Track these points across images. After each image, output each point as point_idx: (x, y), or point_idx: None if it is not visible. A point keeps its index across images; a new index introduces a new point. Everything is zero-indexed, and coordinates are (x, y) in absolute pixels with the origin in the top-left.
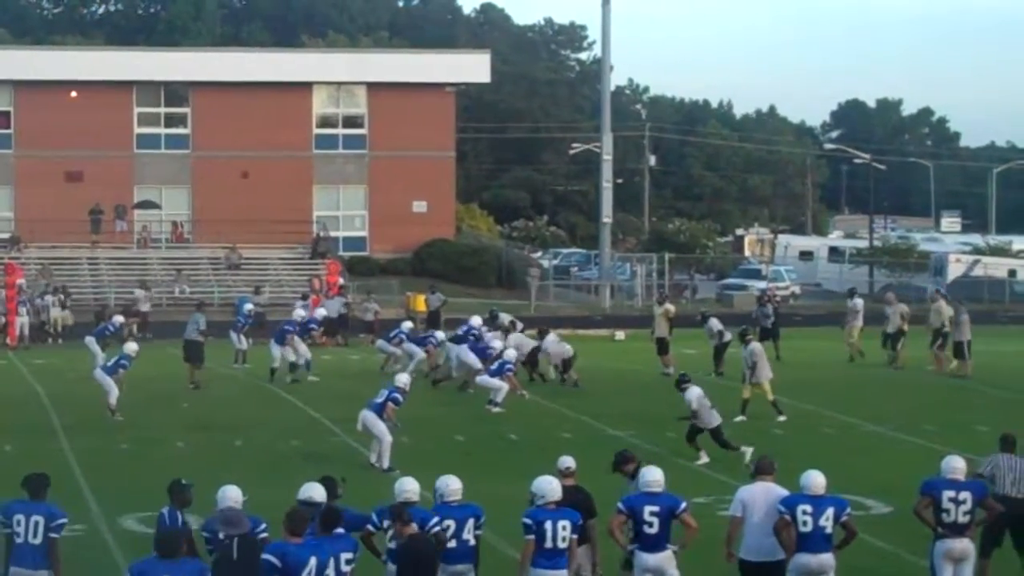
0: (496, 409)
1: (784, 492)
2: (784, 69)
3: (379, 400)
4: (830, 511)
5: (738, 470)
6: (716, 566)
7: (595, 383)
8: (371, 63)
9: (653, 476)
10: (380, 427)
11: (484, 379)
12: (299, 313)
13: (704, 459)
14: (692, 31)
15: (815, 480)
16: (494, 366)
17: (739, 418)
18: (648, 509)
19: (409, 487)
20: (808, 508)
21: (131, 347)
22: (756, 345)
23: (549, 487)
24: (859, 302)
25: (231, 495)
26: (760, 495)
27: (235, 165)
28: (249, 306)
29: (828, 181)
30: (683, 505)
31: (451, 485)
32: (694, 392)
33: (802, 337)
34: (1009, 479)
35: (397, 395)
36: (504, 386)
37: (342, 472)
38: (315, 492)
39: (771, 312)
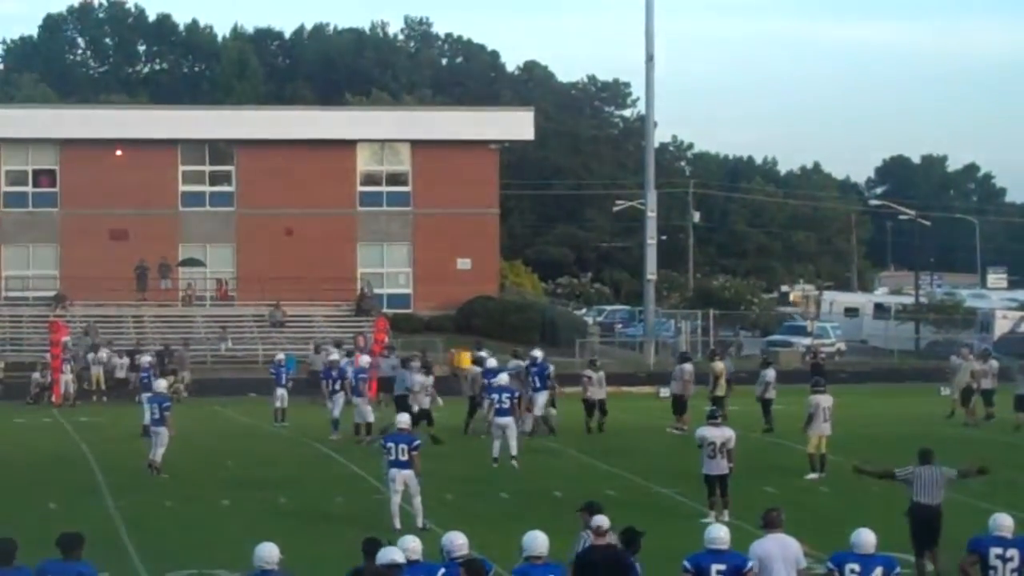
0: (516, 464)
1: (795, 543)
2: (828, 125)
3: (404, 458)
4: (879, 570)
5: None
6: None
7: (641, 440)
8: (415, 121)
9: (718, 534)
10: (416, 484)
11: (506, 420)
12: (365, 360)
13: None
14: (736, 88)
15: (865, 538)
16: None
17: (810, 476)
18: (715, 568)
19: (410, 544)
20: (856, 567)
21: (160, 384)
22: (812, 397)
23: (533, 542)
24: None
25: (267, 554)
26: (775, 549)
27: (279, 222)
28: (281, 356)
29: (873, 237)
30: (749, 564)
31: (455, 541)
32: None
33: (848, 394)
34: (923, 488)
35: (417, 441)
36: (515, 435)
37: (386, 532)
38: (397, 554)
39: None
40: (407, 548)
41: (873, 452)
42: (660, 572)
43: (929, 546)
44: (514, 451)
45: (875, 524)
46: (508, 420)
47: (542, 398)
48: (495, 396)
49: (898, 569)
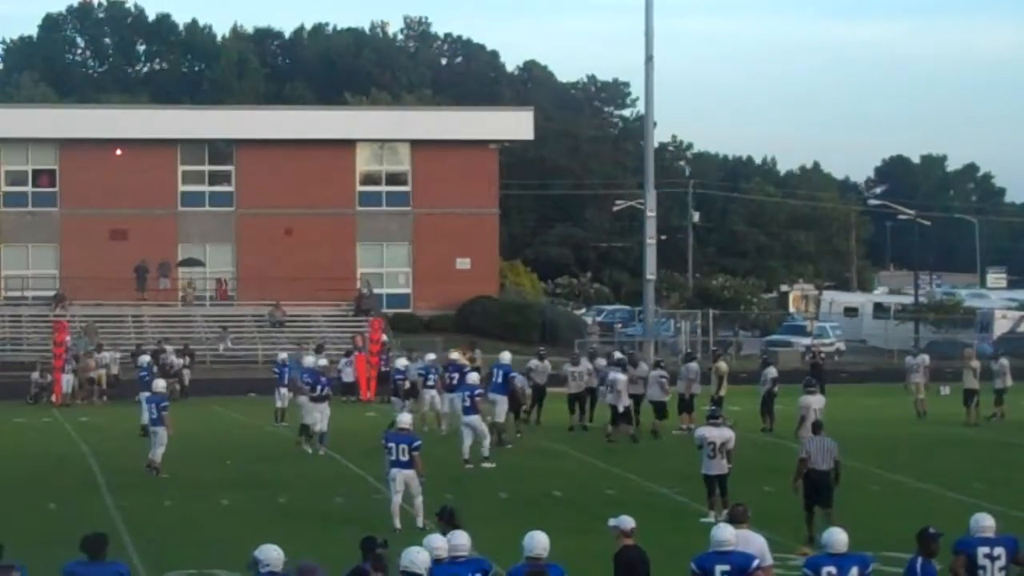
0: (488, 465)
1: (759, 538)
2: (828, 125)
3: (404, 458)
4: (855, 570)
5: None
6: None
7: (640, 440)
8: (414, 120)
9: (723, 535)
10: (417, 484)
11: (473, 419)
12: (309, 360)
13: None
14: (736, 88)
15: (837, 537)
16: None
17: None
18: (719, 568)
19: (459, 541)
20: (833, 570)
21: (158, 384)
22: (803, 398)
23: (533, 542)
24: (925, 358)
25: (272, 556)
26: (737, 543)
27: (279, 222)
28: (283, 356)
29: (873, 237)
30: (755, 562)
31: (457, 541)
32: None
33: (847, 394)
34: (819, 456)
35: (418, 442)
36: (487, 435)
37: (384, 532)
38: (420, 557)
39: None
40: (457, 545)
41: (872, 451)
42: (660, 572)
43: (824, 506)
44: (486, 451)
45: (873, 523)
46: (474, 419)
47: (502, 404)
48: (461, 395)
49: (872, 566)
